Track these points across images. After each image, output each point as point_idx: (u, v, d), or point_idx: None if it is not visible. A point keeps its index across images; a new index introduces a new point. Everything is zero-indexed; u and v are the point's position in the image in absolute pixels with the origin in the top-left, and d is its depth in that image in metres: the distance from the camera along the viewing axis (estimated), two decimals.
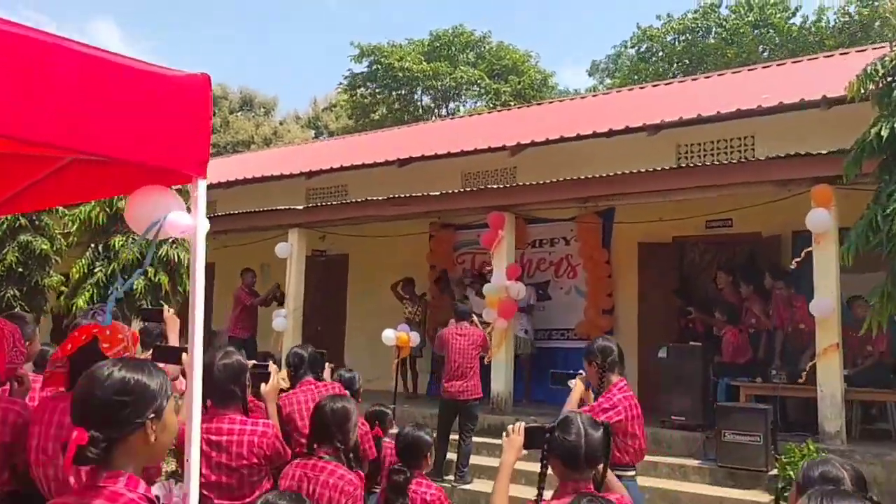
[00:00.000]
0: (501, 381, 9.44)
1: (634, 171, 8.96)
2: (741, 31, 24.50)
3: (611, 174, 9.02)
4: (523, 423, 2.95)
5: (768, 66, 13.16)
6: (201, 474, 3.24)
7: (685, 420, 8.24)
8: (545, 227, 11.52)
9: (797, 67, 12.39)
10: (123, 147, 2.49)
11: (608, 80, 36.93)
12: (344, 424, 3.53)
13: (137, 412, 1.73)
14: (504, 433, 3.01)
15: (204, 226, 2.83)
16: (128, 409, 1.71)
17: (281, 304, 11.81)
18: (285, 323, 11.09)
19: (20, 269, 10.68)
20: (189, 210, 2.93)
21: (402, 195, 10.65)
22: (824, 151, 7.40)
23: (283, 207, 11.50)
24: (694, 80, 13.92)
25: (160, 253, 9.38)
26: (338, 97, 36.13)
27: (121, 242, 9.11)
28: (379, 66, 28.85)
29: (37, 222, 11.22)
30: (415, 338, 9.91)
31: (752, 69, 13.25)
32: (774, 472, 7.14)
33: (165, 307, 4.36)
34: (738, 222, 10.31)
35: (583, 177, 9.05)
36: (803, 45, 21.08)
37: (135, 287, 9.22)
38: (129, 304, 9.34)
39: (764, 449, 7.18)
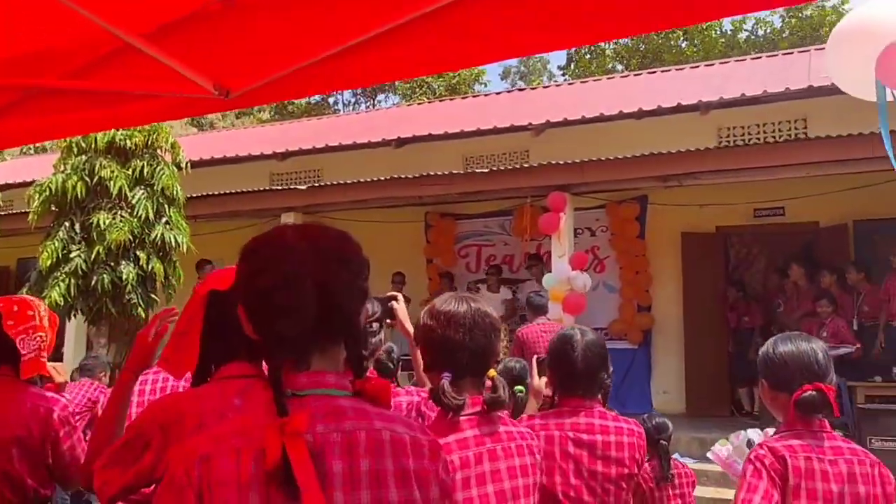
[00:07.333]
0: None
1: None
2: (671, 37, 24.50)
3: (691, 149, 8.10)
4: None
5: (805, 51, 12.48)
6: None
7: None
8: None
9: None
10: None
11: (520, 82, 36.71)
12: None
13: None
14: None
15: None
16: None
17: None
18: None
19: None
20: None
21: (389, 178, 9.29)
22: None
23: (279, 188, 9.78)
24: (719, 63, 13.19)
25: (153, 236, 7.46)
26: None
27: (107, 220, 7.13)
28: None
29: None
30: None
31: (787, 53, 12.53)
32: None
33: (399, 295, 2.96)
34: (792, 211, 9.62)
35: (664, 152, 8.01)
36: (755, 46, 21.20)
37: (124, 278, 7.28)
38: (116, 300, 7.39)
39: None
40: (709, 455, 3.64)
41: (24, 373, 2.48)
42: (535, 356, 2.89)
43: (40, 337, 2.61)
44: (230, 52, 1.94)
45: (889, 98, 1.69)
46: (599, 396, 2.44)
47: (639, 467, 2.41)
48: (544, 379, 3.00)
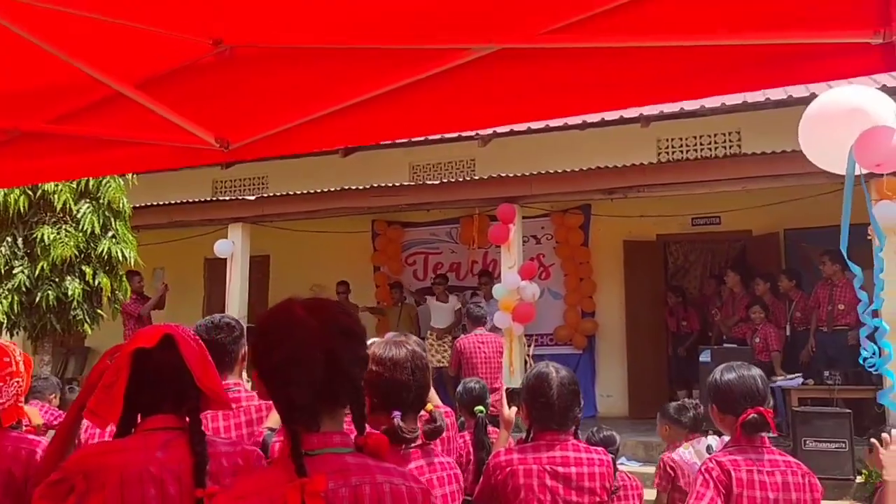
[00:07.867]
0: None
1: (629, 164, 8.54)
2: None
3: (636, 164, 8.42)
4: None
5: None
6: None
7: None
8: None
9: None
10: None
11: None
12: None
13: None
14: (877, 444, 2.44)
15: None
16: None
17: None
18: None
19: None
20: None
21: (339, 189, 9.46)
22: None
23: (226, 198, 9.70)
24: None
25: (99, 250, 7.33)
26: None
27: (52, 235, 6.96)
28: None
29: None
30: None
31: None
32: (860, 479, 6.72)
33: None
34: (727, 220, 10.03)
35: (610, 166, 8.29)
36: None
37: (69, 294, 7.13)
38: (60, 316, 7.23)
39: (850, 456, 6.71)
40: (674, 456, 3.88)
41: (4, 420, 2.48)
42: (507, 388, 3.02)
43: (17, 383, 2.60)
44: (235, 104, 2.00)
45: (857, 172, 1.88)
46: (573, 429, 2.60)
47: (608, 494, 2.57)
48: (514, 409, 3.13)
